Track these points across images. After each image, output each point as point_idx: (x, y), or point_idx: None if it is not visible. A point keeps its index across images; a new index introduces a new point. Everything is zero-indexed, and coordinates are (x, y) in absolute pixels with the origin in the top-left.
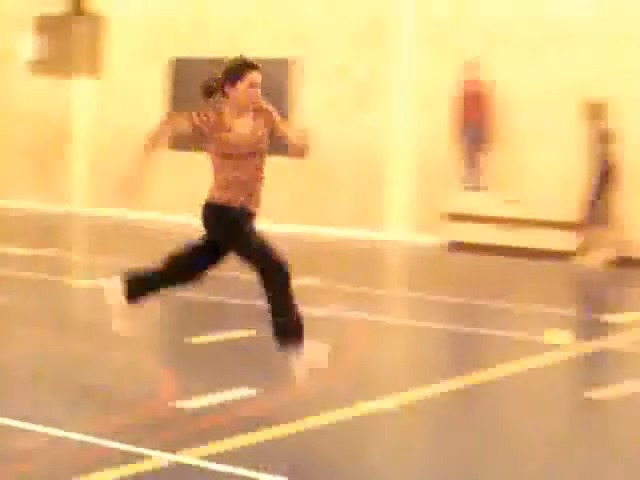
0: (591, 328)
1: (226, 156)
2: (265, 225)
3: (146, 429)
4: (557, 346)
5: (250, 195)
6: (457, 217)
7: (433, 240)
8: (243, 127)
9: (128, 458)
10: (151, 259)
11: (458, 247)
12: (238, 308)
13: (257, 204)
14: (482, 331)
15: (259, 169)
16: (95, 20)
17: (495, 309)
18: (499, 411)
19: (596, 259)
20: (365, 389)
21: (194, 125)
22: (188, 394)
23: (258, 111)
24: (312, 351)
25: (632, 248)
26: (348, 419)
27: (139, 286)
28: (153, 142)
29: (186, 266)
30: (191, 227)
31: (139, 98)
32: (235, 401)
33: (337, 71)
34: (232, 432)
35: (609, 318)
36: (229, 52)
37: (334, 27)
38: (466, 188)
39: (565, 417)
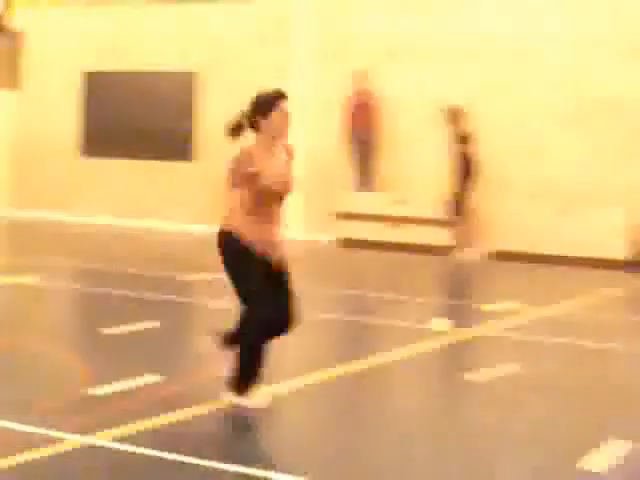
0: (469, 316)
1: (260, 193)
2: (173, 225)
3: (61, 414)
4: (439, 333)
5: (275, 226)
6: (348, 216)
7: (326, 238)
8: (276, 166)
9: (44, 441)
10: (67, 256)
11: (349, 244)
12: (144, 302)
13: (278, 234)
14: (372, 320)
15: (283, 201)
16: (14, 36)
17: (383, 300)
18: (387, 393)
19: (473, 253)
20: (264, 375)
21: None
22: (100, 381)
23: (284, 145)
24: (256, 397)
25: (494, 241)
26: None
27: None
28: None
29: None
30: (109, 227)
31: (56, 109)
32: (143, 387)
33: (237, 81)
34: (140, 416)
35: (485, 307)
36: (140, 66)
37: (235, 41)
38: (356, 189)
39: (445, 397)
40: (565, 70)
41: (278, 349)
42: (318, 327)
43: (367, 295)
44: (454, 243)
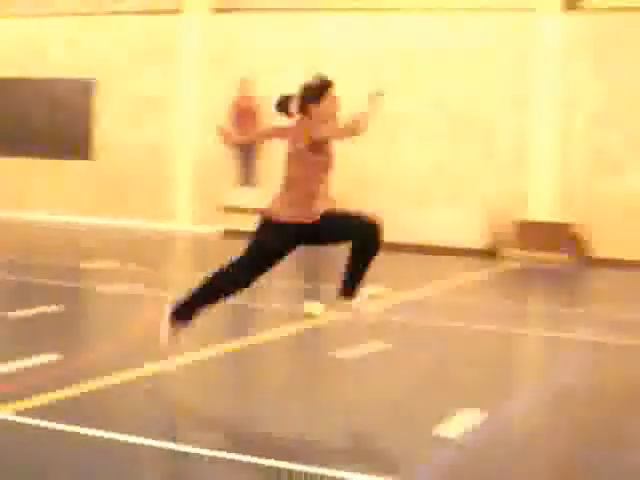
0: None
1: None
2: (74, 218)
3: None
4: (312, 315)
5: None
6: (232, 209)
7: (212, 229)
8: None
9: None
10: None
11: (233, 235)
12: (47, 288)
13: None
14: (250, 304)
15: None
16: None
17: (261, 285)
18: (264, 369)
19: None
20: (151, 353)
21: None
22: (3, 359)
23: None
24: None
25: None
26: (138, 378)
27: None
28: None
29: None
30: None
31: None
32: (44, 364)
33: (131, 88)
34: (42, 390)
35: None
36: (43, 74)
37: (131, 50)
38: (240, 185)
39: (317, 372)
40: (407, 74)
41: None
42: None
43: None
44: None
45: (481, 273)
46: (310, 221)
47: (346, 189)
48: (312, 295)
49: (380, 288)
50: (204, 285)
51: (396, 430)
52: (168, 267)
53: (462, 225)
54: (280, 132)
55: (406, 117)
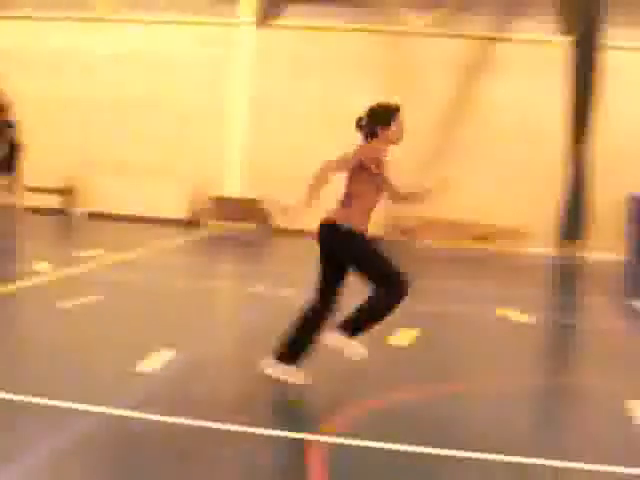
0: (66, 260)
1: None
2: None
3: None
4: (40, 273)
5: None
6: None
7: None
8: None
9: None
10: None
11: None
12: None
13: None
14: None
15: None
16: None
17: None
18: (6, 318)
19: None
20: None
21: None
22: None
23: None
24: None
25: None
26: None
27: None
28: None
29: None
30: None
31: None
32: None
33: None
34: None
35: (78, 253)
36: None
37: None
38: None
39: (47, 321)
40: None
41: None
42: None
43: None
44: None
45: (185, 239)
46: (366, 233)
47: (83, 172)
48: (42, 256)
49: (101, 250)
50: (298, 330)
51: (103, 367)
52: None
53: (171, 199)
54: (342, 165)
55: (128, 101)
